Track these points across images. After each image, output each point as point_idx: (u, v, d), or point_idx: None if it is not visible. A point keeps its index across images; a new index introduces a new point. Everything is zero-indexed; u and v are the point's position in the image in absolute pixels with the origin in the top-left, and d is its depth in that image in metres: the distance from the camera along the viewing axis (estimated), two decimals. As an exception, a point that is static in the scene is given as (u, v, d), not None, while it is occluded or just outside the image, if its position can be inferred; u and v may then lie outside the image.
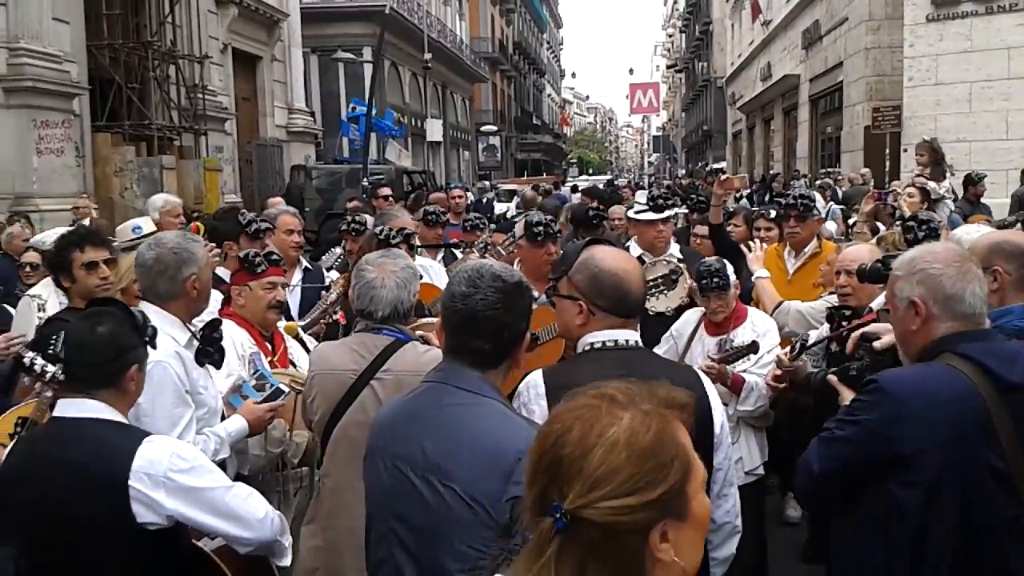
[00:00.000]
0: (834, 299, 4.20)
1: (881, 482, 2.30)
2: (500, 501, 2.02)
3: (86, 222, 9.15)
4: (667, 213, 5.21)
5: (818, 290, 4.78)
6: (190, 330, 3.21)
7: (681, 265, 4.71)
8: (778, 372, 3.80)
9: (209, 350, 3.15)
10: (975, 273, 2.40)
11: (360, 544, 2.33)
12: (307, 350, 3.93)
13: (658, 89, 72.57)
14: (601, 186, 17.77)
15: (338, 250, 6.04)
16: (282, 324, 4.04)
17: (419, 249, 5.88)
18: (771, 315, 4.53)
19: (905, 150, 14.97)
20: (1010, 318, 2.73)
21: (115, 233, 5.82)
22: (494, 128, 48.99)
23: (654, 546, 1.23)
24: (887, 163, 15.17)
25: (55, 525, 2.34)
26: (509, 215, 14.81)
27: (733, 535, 2.49)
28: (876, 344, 2.87)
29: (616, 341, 2.44)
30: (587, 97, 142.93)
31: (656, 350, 3.84)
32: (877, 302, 3.73)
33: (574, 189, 16.33)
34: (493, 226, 8.28)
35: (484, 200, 19.70)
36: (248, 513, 2.45)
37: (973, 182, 10.10)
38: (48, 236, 6.27)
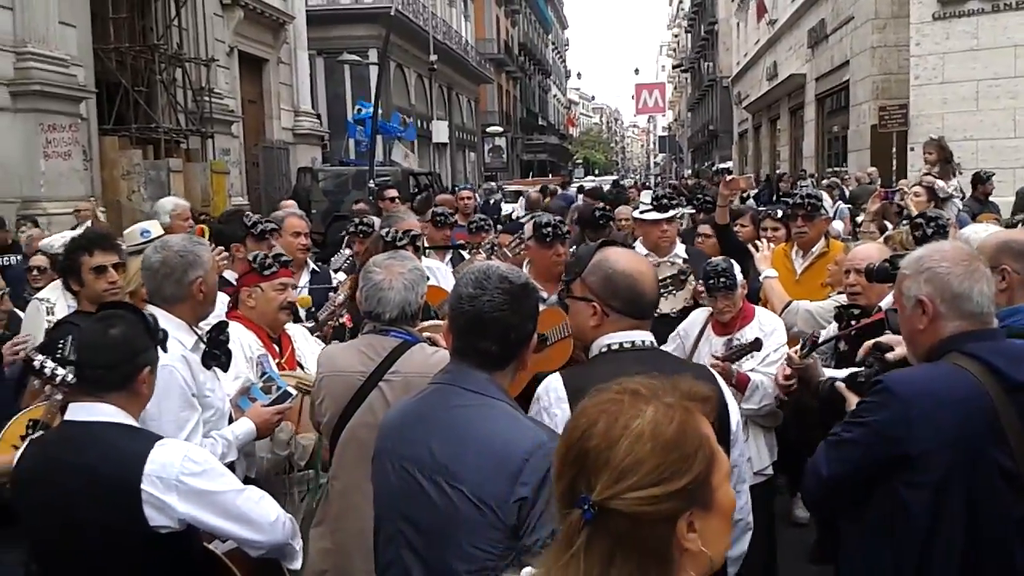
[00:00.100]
0: (843, 298, 4.20)
1: (888, 483, 2.29)
2: (507, 502, 2.02)
3: (87, 224, 9.19)
4: (671, 213, 5.21)
5: (826, 290, 4.77)
6: (196, 333, 3.22)
7: (687, 267, 4.71)
8: (788, 371, 3.79)
9: (216, 353, 3.16)
10: (983, 272, 2.39)
11: (369, 546, 2.34)
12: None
13: (664, 89, 72.55)
14: (607, 187, 17.77)
15: (347, 251, 6.05)
16: (291, 327, 4.04)
17: (427, 251, 5.90)
18: (780, 315, 4.52)
19: (912, 149, 14.93)
20: (1018, 317, 2.72)
21: (121, 236, 5.84)
22: (500, 129, 48.99)
23: (681, 536, 1.26)
24: (894, 162, 15.14)
25: (67, 528, 2.35)
26: (515, 216, 14.81)
27: (746, 532, 2.49)
28: (888, 356, 2.86)
29: (633, 342, 2.45)
30: (593, 97, 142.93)
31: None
32: (886, 301, 3.72)
33: (580, 190, 16.30)
34: (500, 227, 8.27)
35: (491, 201, 19.70)
36: (260, 516, 2.46)
37: (982, 180, 10.07)
38: (55, 240, 6.29)
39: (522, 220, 8.51)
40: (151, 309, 3.04)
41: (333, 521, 2.97)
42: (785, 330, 4.37)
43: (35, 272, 5.79)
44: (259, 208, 16.74)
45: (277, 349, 3.81)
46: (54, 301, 4.26)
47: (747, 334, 4.19)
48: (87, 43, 14.26)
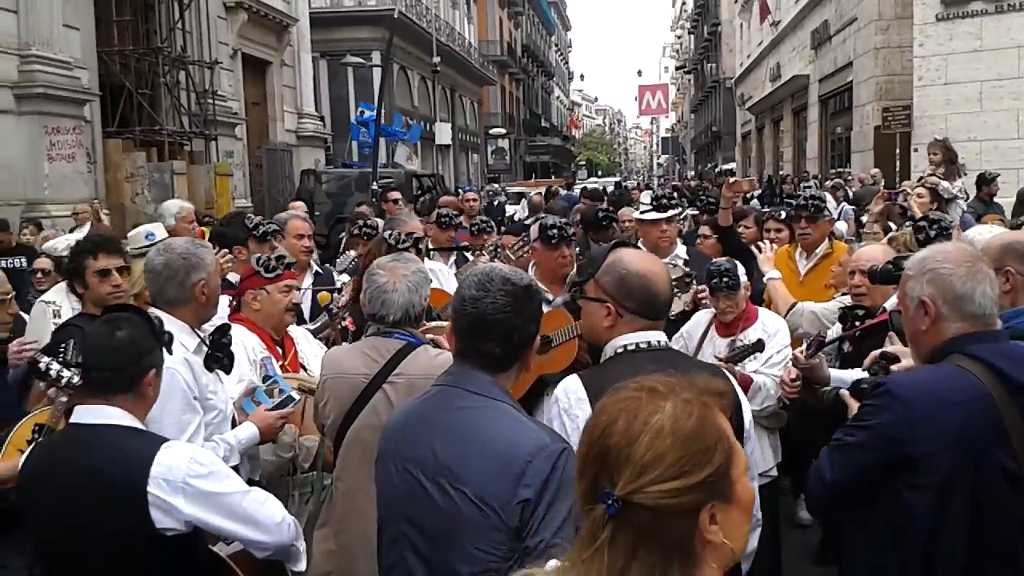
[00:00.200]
0: (847, 300, 4.20)
1: (892, 486, 2.29)
2: (510, 504, 2.02)
3: (86, 227, 9.21)
4: (671, 213, 5.22)
5: (830, 291, 4.77)
6: (199, 335, 3.23)
7: (692, 271, 4.71)
8: (794, 373, 3.79)
9: (218, 355, 3.17)
10: (986, 273, 2.39)
11: (373, 548, 2.34)
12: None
13: (667, 90, 72.51)
14: (610, 188, 17.75)
15: (353, 253, 6.05)
16: (293, 329, 4.03)
17: (431, 252, 5.90)
18: (785, 316, 4.52)
19: (915, 150, 14.91)
20: (1022, 319, 2.72)
21: (125, 238, 5.85)
22: (503, 131, 49.01)
23: (704, 528, 1.28)
24: (897, 163, 15.12)
25: (73, 531, 2.35)
26: (517, 217, 14.81)
27: (756, 528, 2.50)
28: (894, 367, 2.86)
29: (649, 343, 2.47)
30: (596, 99, 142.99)
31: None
32: (891, 302, 3.72)
33: (583, 192, 16.28)
34: (503, 229, 8.28)
35: (495, 203, 19.70)
36: (265, 517, 2.46)
37: (987, 181, 10.05)
38: (59, 242, 6.31)
39: (526, 222, 8.50)
40: (154, 311, 3.05)
41: (337, 523, 2.97)
42: (788, 331, 4.37)
43: (39, 275, 5.80)
44: (262, 210, 16.75)
45: (280, 351, 3.81)
46: (60, 304, 4.27)
47: (750, 335, 4.19)
48: (91, 46, 14.30)
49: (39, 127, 12.42)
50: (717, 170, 39.50)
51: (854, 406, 2.72)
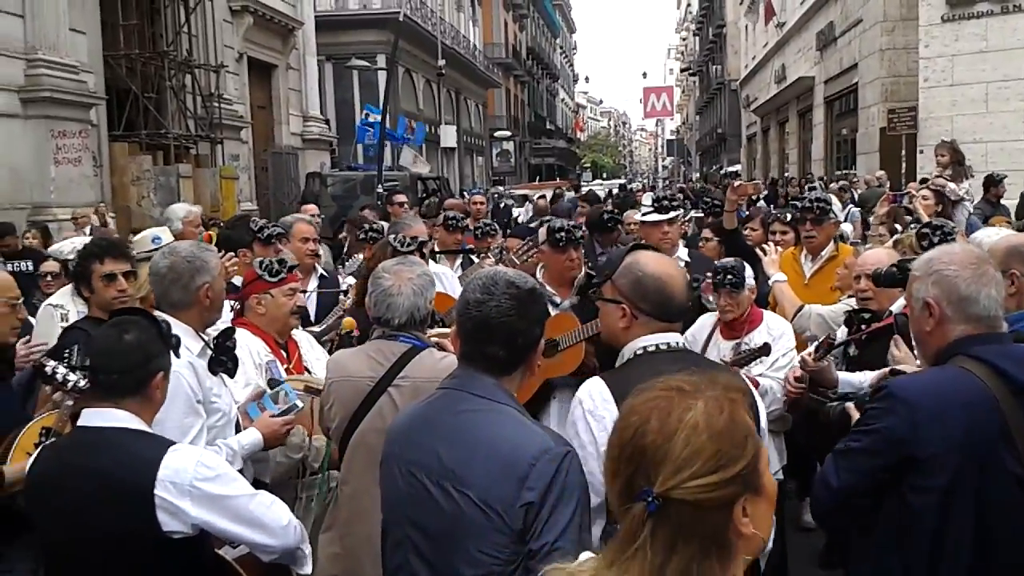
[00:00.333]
0: (854, 302, 4.19)
1: (897, 489, 2.29)
2: (514, 507, 2.03)
3: (86, 231, 9.24)
4: (672, 214, 5.21)
5: (836, 294, 4.76)
6: (203, 339, 3.24)
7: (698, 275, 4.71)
8: (798, 373, 3.79)
9: (222, 359, 3.17)
10: (992, 275, 2.38)
11: (378, 551, 2.35)
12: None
13: (672, 92, 72.52)
14: (615, 190, 17.73)
15: (361, 256, 6.07)
16: (297, 332, 4.04)
17: (438, 255, 5.90)
18: (792, 319, 4.52)
19: (921, 151, 14.89)
20: (1028, 322, 2.71)
21: (131, 242, 5.86)
22: (508, 133, 49.02)
23: (737, 520, 1.32)
24: (903, 165, 15.10)
25: (80, 534, 2.36)
26: (521, 220, 14.82)
27: (771, 525, 2.49)
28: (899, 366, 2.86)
29: (668, 344, 2.49)
30: (601, 101, 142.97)
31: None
32: (897, 305, 3.71)
33: (581, 196, 16.26)
34: (508, 231, 8.29)
35: (502, 205, 19.72)
36: (272, 521, 2.47)
37: (995, 182, 10.02)
38: (65, 245, 6.33)
39: (530, 225, 8.50)
40: (160, 315, 3.05)
41: (342, 526, 2.97)
42: (794, 335, 4.37)
43: (48, 277, 5.83)
44: (268, 213, 16.79)
45: (284, 355, 3.81)
46: (68, 308, 4.28)
47: (755, 339, 4.18)
48: (97, 50, 14.36)
49: (45, 131, 12.47)
50: (722, 172, 39.48)
51: (857, 416, 2.72)
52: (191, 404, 2.96)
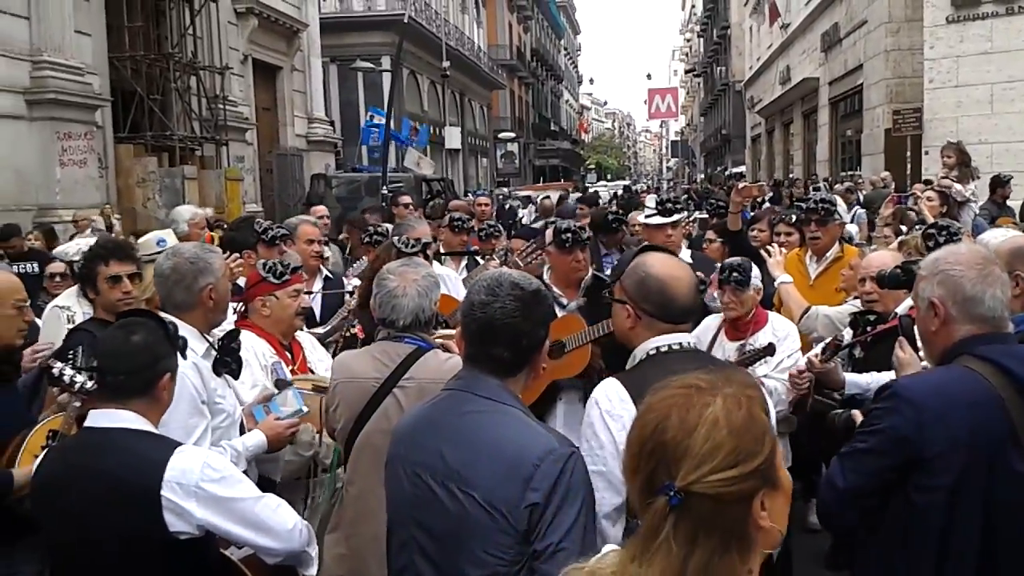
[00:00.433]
0: (860, 304, 4.19)
1: (903, 489, 2.28)
2: (519, 508, 2.03)
3: (87, 232, 9.25)
4: (675, 217, 5.21)
5: (841, 295, 4.76)
6: (208, 340, 3.24)
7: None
8: (803, 365, 3.78)
9: (227, 360, 3.18)
10: (997, 276, 2.38)
11: (384, 551, 2.35)
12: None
13: (676, 94, 72.32)
14: (619, 191, 17.72)
15: (366, 259, 6.07)
16: (300, 334, 4.04)
17: (443, 257, 5.90)
18: (799, 321, 4.51)
19: (926, 152, 14.86)
20: (1033, 323, 2.70)
21: (135, 243, 5.87)
22: (512, 135, 49.00)
23: (756, 514, 1.35)
24: (908, 166, 15.07)
25: (85, 534, 2.36)
26: (525, 221, 14.82)
27: None
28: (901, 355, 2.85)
29: (681, 344, 2.50)
30: (605, 103, 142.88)
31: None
32: (902, 307, 3.71)
33: (579, 199, 16.23)
34: (513, 233, 8.29)
35: (507, 207, 19.73)
36: (277, 523, 2.47)
37: (1001, 183, 9.99)
38: (70, 247, 6.35)
39: (533, 225, 8.51)
40: (166, 316, 3.06)
41: (348, 527, 2.98)
42: (799, 336, 4.37)
43: (57, 278, 5.85)
44: (273, 215, 16.81)
45: (289, 356, 3.82)
46: (74, 309, 4.29)
47: (760, 340, 4.18)
48: (102, 52, 14.39)
49: (51, 132, 12.50)
50: (727, 174, 39.44)
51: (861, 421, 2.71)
52: (195, 405, 2.97)
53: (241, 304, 3.93)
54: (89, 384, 2.83)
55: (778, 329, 4.29)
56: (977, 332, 2.34)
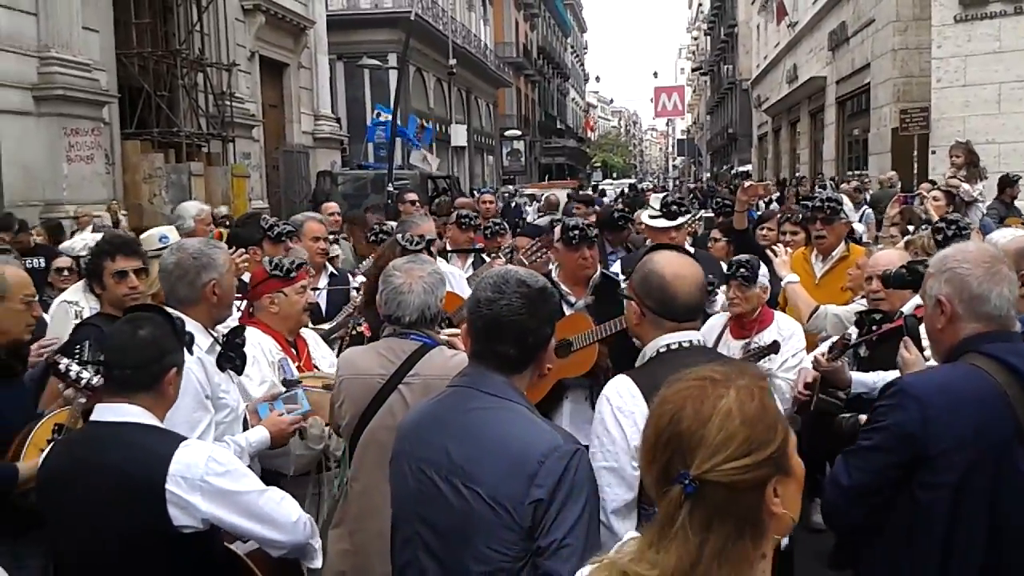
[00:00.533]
0: (867, 303, 4.18)
1: (907, 488, 2.28)
2: (523, 504, 2.03)
3: (88, 229, 9.27)
4: (680, 220, 5.19)
5: (847, 294, 4.75)
6: (212, 335, 3.25)
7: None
8: (810, 379, 3.78)
9: (231, 355, 3.19)
10: (1005, 274, 2.37)
11: (388, 547, 2.35)
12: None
13: (683, 92, 72.26)
14: (625, 189, 17.69)
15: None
16: (304, 331, 4.05)
17: (449, 254, 5.91)
18: (807, 320, 4.51)
19: (933, 152, 14.82)
20: (1040, 323, 2.69)
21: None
22: (518, 133, 49.01)
23: (769, 500, 1.40)
24: (915, 165, 15.03)
25: (91, 528, 2.37)
26: (529, 219, 14.82)
27: None
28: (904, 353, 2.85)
29: (691, 342, 2.51)
30: (611, 101, 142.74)
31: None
32: (908, 306, 3.71)
33: (571, 196, 16.13)
34: (519, 230, 8.29)
35: (513, 205, 19.73)
36: (282, 516, 2.48)
37: (1010, 183, 9.96)
38: (76, 242, 6.37)
39: (537, 223, 8.51)
40: (173, 312, 3.07)
41: (352, 522, 2.99)
42: (804, 335, 4.36)
43: (65, 273, 5.87)
44: (279, 211, 16.84)
45: (295, 352, 3.83)
46: (82, 305, 4.30)
47: (765, 338, 4.18)
48: (110, 48, 14.42)
49: (58, 128, 12.53)
50: (733, 172, 39.37)
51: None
52: (200, 399, 2.99)
53: (244, 302, 3.93)
54: (95, 380, 2.84)
55: (783, 328, 4.28)
56: (983, 330, 2.33)
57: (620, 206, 10.79)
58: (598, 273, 4.33)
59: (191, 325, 3.07)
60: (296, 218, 5.94)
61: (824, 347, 3.90)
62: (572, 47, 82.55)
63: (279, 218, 6.29)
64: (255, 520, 2.43)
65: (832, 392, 3.75)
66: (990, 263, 2.38)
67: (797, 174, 25.61)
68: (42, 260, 7.68)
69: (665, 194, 6.53)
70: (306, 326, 4.05)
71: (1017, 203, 10.13)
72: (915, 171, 14.80)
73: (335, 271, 5.75)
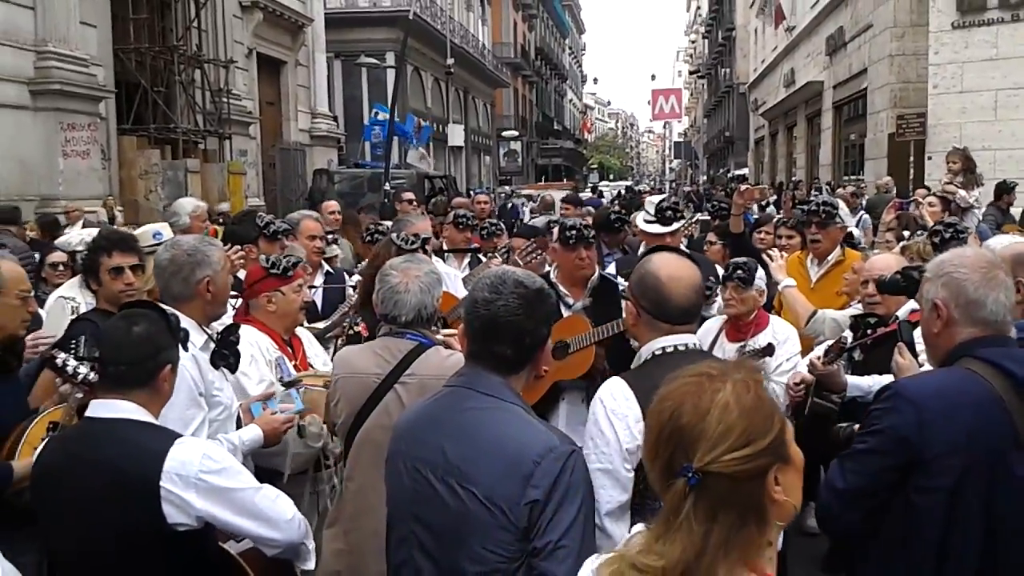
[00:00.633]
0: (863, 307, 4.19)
1: (903, 491, 2.28)
2: (519, 504, 2.03)
3: (78, 225, 9.25)
4: (675, 226, 5.19)
5: (842, 299, 4.76)
6: (207, 332, 3.25)
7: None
8: (798, 379, 3.79)
9: (224, 353, 3.19)
10: (1001, 280, 2.38)
11: (383, 547, 2.35)
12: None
13: (680, 95, 72.25)
14: (622, 191, 17.69)
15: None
16: (298, 330, 4.04)
17: (446, 254, 5.91)
18: (806, 324, 4.51)
19: (930, 158, 14.85)
20: (1035, 330, 2.70)
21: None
22: (515, 133, 49.00)
23: (770, 488, 1.45)
24: (911, 171, 15.06)
25: (85, 525, 2.36)
26: (525, 219, 14.81)
27: None
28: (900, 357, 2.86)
29: (687, 345, 2.50)
30: (609, 103, 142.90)
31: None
32: (903, 311, 3.71)
33: (564, 199, 16.10)
34: (515, 231, 8.29)
35: (509, 205, 19.71)
36: (276, 514, 2.48)
37: (1007, 189, 9.98)
38: (72, 237, 6.35)
39: (531, 223, 8.51)
40: (168, 308, 3.06)
41: (347, 521, 2.98)
42: (799, 340, 4.37)
43: (60, 268, 5.86)
44: (275, 209, 16.82)
45: (291, 351, 3.82)
46: (78, 300, 4.29)
47: (761, 342, 4.19)
48: (107, 43, 14.38)
49: (54, 123, 12.49)
50: (729, 176, 39.42)
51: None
52: (193, 396, 2.98)
53: (240, 300, 3.92)
54: (92, 375, 2.83)
55: (778, 332, 4.29)
56: (979, 335, 2.34)
57: (616, 208, 10.79)
58: (596, 275, 4.33)
59: (185, 322, 3.06)
60: (292, 216, 5.92)
61: (820, 350, 3.90)
62: (570, 48, 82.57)
63: (275, 216, 6.28)
64: (250, 518, 2.43)
65: (827, 396, 3.76)
66: (987, 268, 2.38)
67: (793, 178, 25.66)
68: (36, 255, 7.66)
69: (662, 197, 6.51)
70: (301, 325, 4.04)
71: (1012, 210, 10.16)
72: (911, 176, 14.83)
73: (331, 270, 5.74)
